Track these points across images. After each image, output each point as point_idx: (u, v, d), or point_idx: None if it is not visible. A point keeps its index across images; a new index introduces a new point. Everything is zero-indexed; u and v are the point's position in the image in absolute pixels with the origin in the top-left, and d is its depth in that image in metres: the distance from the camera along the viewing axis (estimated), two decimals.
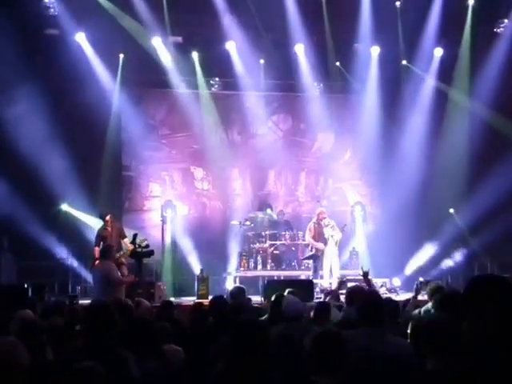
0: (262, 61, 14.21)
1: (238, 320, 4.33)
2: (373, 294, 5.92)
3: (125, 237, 10.77)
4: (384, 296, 7.47)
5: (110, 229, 10.84)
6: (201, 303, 6.85)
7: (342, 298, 7.29)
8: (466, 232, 13.22)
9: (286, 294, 5.61)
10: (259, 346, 3.12)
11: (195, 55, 14.02)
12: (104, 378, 2.80)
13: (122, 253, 10.19)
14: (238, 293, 6.60)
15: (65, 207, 12.88)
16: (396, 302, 5.52)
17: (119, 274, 8.87)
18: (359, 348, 3.56)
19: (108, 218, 10.90)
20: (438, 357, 3.01)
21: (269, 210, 13.72)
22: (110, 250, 9.19)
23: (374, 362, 2.94)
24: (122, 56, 13.66)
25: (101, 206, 12.18)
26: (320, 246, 11.51)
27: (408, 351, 3.72)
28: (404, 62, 14.34)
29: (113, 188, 13.98)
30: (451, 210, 13.60)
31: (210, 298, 6.93)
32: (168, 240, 13.21)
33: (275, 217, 13.63)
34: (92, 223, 12.58)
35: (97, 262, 9.86)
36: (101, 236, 10.75)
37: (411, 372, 2.90)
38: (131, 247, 10.30)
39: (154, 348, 3.87)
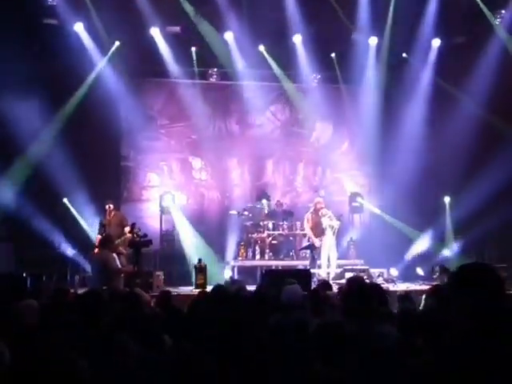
0: (260, 50, 14.15)
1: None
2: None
3: (126, 226, 10.80)
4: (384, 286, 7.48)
5: (108, 218, 10.90)
6: (204, 292, 6.84)
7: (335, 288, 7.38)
8: (449, 230, 13.35)
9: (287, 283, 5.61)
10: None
11: (193, 45, 13.99)
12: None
13: (118, 241, 10.22)
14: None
15: (65, 200, 12.90)
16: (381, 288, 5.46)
17: (118, 263, 8.93)
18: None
19: (107, 207, 10.95)
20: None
21: (264, 201, 13.73)
22: (110, 239, 9.26)
23: (362, 352, 2.99)
24: (116, 43, 13.52)
25: (99, 196, 12.20)
26: (316, 242, 11.52)
27: (395, 340, 3.72)
28: (404, 55, 14.34)
29: (111, 178, 14.01)
30: (446, 200, 13.66)
31: (210, 287, 6.93)
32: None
33: (267, 209, 13.62)
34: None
35: (96, 250, 9.93)
36: (102, 225, 10.82)
37: (398, 361, 2.93)
38: (129, 236, 10.34)
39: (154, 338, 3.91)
